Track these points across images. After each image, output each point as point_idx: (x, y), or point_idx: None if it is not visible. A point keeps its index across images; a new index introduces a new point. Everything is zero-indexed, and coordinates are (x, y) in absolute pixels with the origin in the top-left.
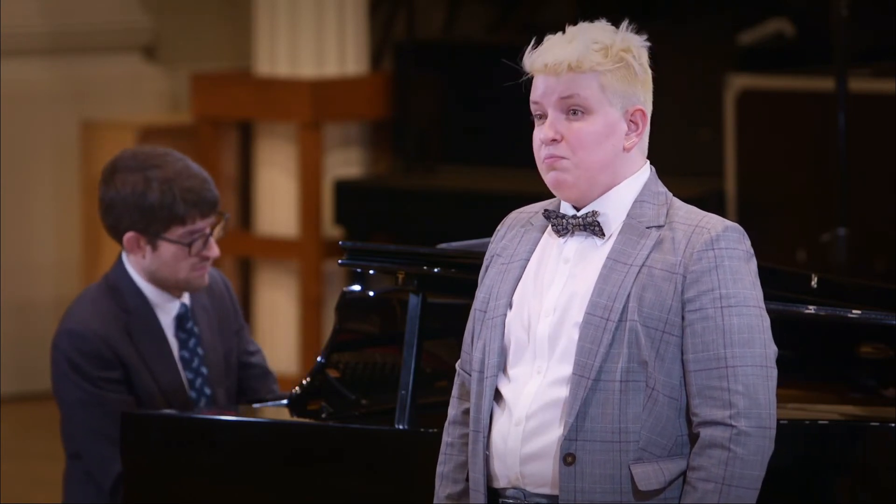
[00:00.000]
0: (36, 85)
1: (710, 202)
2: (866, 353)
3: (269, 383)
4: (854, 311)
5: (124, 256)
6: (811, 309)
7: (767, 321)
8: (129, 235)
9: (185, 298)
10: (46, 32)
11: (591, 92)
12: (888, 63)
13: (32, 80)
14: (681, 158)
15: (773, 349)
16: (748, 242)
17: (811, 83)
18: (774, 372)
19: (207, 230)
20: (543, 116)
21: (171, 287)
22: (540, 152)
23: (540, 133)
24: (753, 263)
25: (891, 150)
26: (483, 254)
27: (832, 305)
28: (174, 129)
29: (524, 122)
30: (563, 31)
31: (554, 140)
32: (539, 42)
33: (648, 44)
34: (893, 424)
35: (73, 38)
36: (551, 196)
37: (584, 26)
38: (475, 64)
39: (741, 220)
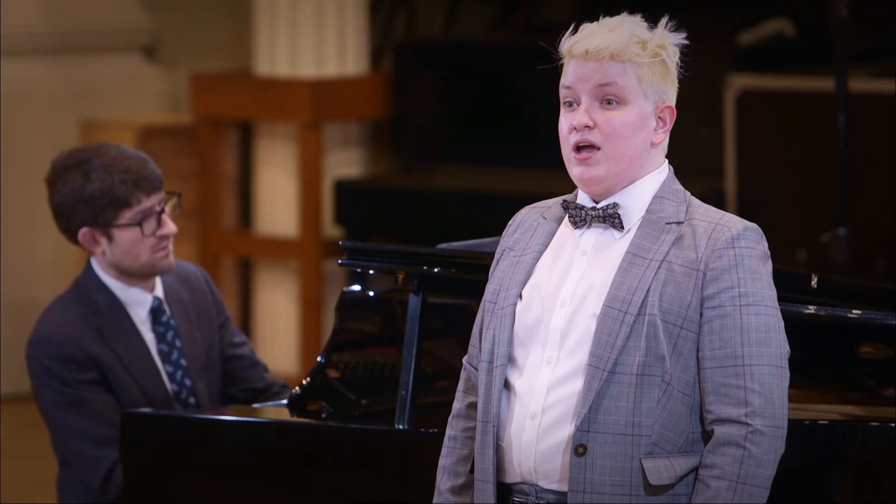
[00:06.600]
0: (36, 85)
1: (710, 202)
2: (866, 353)
3: (258, 372)
4: (854, 311)
5: (92, 259)
6: (811, 309)
7: (782, 322)
8: (83, 232)
9: (158, 291)
10: (46, 32)
11: (629, 81)
12: (888, 63)
13: (32, 80)
14: (681, 158)
15: (786, 349)
16: (766, 243)
17: (811, 83)
18: (787, 372)
19: (158, 208)
20: (575, 103)
21: (140, 275)
22: (570, 138)
23: (572, 119)
24: (769, 264)
25: (891, 150)
26: (483, 254)
27: (832, 305)
28: (174, 129)
29: (524, 123)
30: (598, 21)
31: (587, 126)
32: (576, 29)
33: (685, 42)
34: (893, 424)
35: (73, 38)
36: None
37: (622, 18)
38: (475, 64)
39: None
